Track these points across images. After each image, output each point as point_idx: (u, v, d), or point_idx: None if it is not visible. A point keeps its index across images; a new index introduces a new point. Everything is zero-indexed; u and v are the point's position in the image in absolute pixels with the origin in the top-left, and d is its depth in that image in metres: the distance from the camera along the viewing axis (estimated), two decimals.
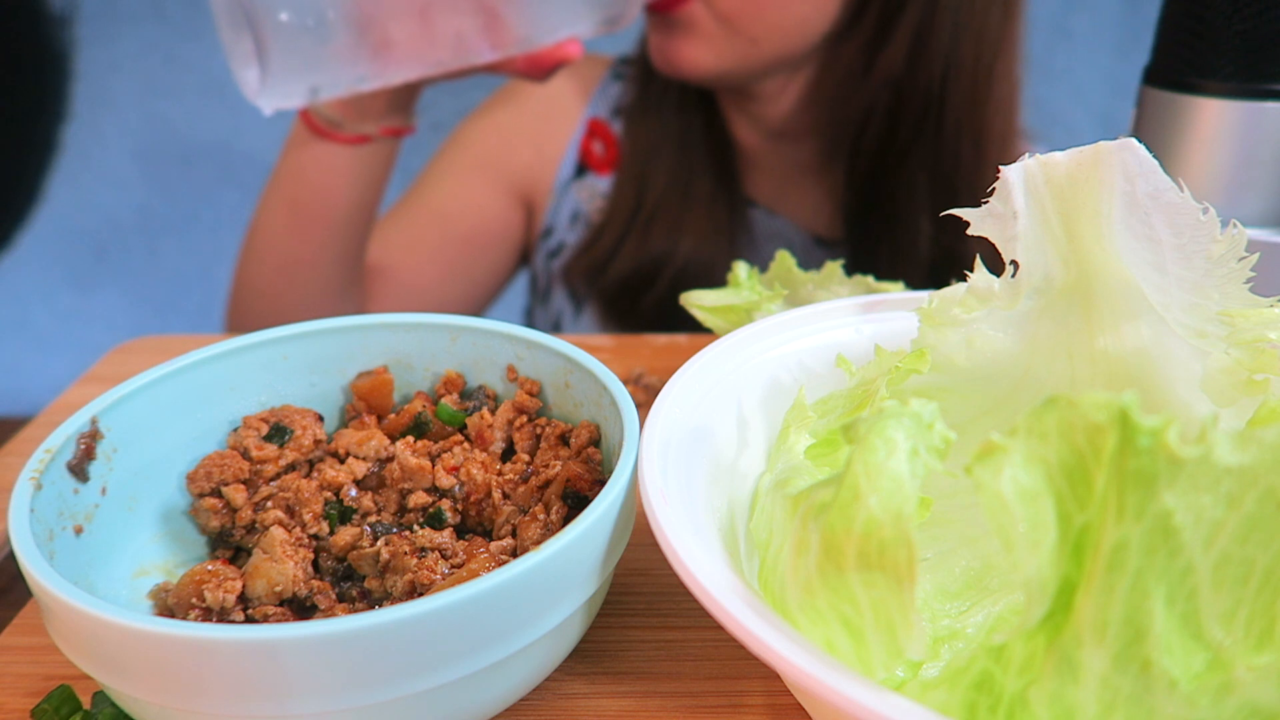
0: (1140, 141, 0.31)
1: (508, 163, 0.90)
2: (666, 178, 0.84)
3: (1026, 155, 0.33)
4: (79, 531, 0.34)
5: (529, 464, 0.39)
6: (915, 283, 0.80)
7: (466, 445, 0.40)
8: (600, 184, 0.89)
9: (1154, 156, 0.31)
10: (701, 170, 0.85)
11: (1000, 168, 0.34)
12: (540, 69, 0.64)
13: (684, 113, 0.85)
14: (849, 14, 0.76)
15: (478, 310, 0.93)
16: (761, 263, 0.87)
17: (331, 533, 0.37)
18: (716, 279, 0.82)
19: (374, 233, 0.82)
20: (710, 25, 0.73)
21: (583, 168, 0.90)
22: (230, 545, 0.38)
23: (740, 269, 0.53)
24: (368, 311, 0.82)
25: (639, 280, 0.83)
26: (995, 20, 0.78)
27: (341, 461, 0.40)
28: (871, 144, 0.82)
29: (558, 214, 0.90)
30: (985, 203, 0.34)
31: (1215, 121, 0.47)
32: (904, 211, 0.82)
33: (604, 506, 0.31)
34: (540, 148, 0.90)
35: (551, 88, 0.90)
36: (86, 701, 0.34)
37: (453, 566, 0.34)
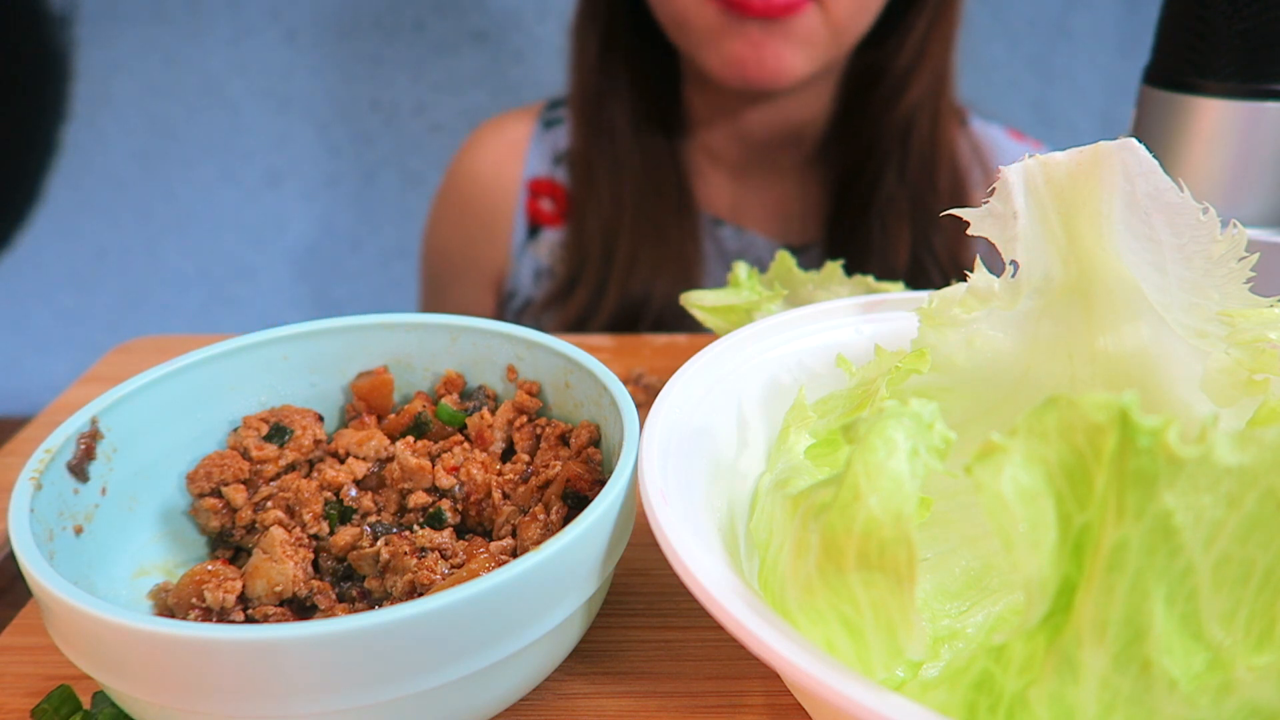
0: (1140, 141, 0.31)
1: (476, 261, 0.91)
2: (634, 219, 0.82)
3: (1027, 155, 0.33)
4: (79, 531, 0.34)
5: (529, 464, 0.39)
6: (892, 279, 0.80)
7: (466, 445, 0.40)
8: (557, 236, 0.88)
9: (1154, 156, 0.31)
10: (668, 202, 0.83)
11: (1000, 168, 0.34)
12: None
13: (643, 143, 0.83)
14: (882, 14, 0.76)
15: None
16: None
17: (331, 533, 0.37)
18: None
19: None
20: (819, 31, 0.72)
21: (534, 228, 0.88)
22: (230, 545, 0.38)
23: (740, 269, 0.53)
24: None
25: (624, 324, 0.82)
26: (957, 20, 0.80)
27: (341, 461, 0.40)
28: (859, 142, 0.82)
29: (519, 278, 0.89)
30: (986, 202, 0.34)
31: (1215, 121, 0.47)
32: (886, 202, 0.82)
33: (604, 506, 0.31)
34: (493, 234, 0.90)
35: (481, 169, 0.89)
36: (86, 701, 0.34)
37: (453, 566, 0.34)
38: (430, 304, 0.97)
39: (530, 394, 0.41)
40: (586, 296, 0.82)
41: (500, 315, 0.93)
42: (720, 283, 0.86)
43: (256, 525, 0.37)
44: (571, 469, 0.37)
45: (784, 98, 0.81)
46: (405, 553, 0.35)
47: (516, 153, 0.89)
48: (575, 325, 0.83)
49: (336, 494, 0.38)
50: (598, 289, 0.82)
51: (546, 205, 0.88)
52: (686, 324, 0.82)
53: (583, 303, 0.83)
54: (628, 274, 0.81)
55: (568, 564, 0.30)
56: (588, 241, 0.83)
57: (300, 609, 0.35)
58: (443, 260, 0.94)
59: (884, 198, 0.81)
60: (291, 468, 0.39)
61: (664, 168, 0.83)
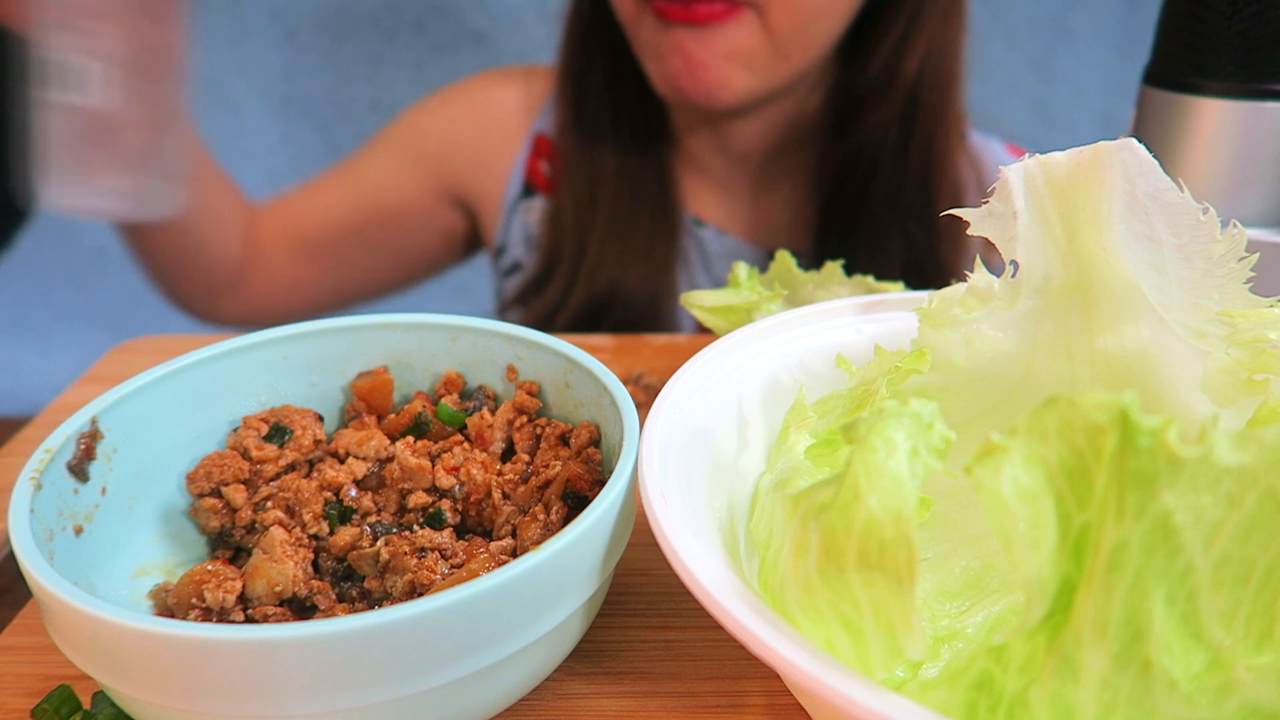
0: (1140, 141, 0.31)
1: (441, 165, 0.89)
2: (609, 215, 0.81)
3: (1026, 157, 0.33)
4: (79, 531, 0.34)
5: (529, 464, 0.39)
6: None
7: (466, 445, 0.40)
8: (547, 208, 0.87)
9: (1154, 156, 0.31)
10: (645, 199, 0.82)
11: (1000, 168, 0.34)
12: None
13: (622, 141, 0.82)
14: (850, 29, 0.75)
15: (399, 283, 0.94)
16: (716, 283, 0.86)
17: (331, 533, 0.37)
18: (665, 309, 0.82)
19: (299, 188, 0.87)
20: (759, 46, 0.69)
21: (530, 188, 0.87)
22: (230, 545, 0.38)
23: (740, 269, 0.53)
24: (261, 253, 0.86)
25: (588, 318, 0.82)
26: (954, 32, 0.78)
27: (341, 461, 0.40)
28: (843, 156, 0.81)
29: (509, 233, 0.88)
30: (985, 203, 0.34)
31: (1215, 121, 0.47)
32: (875, 221, 0.81)
33: (604, 506, 0.31)
34: (479, 160, 0.88)
35: (499, 97, 0.89)
36: (86, 701, 0.34)
37: (453, 566, 0.34)
38: (355, 159, 0.90)
39: (530, 394, 0.41)
40: (558, 293, 0.82)
41: (491, 264, 0.92)
42: (699, 285, 0.86)
43: (256, 525, 0.37)
44: (571, 469, 0.37)
45: (758, 109, 0.80)
46: (405, 553, 0.35)
47: (536, 100, 0.88)
48: (544, 319, 0.83)
49: (336, 494, 0.38)
50: (567, 283, 0.82)
51: (545, 169, 0.87)
52: (654, 322, 0.82)
53: (553, 299, 0.83)
54: (595, 268, 0.81)
55: (568, 564, 0.30)
56: (562, 235, 0.83)
57: (300, 609, 0.35)
58: (407, 139, 0.90)
59: (869, 220, 0.80)
60: (291, 468, 0.39)
61: (643, 168, 0.83)
